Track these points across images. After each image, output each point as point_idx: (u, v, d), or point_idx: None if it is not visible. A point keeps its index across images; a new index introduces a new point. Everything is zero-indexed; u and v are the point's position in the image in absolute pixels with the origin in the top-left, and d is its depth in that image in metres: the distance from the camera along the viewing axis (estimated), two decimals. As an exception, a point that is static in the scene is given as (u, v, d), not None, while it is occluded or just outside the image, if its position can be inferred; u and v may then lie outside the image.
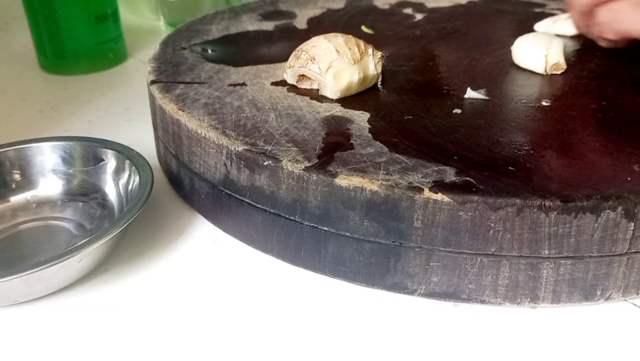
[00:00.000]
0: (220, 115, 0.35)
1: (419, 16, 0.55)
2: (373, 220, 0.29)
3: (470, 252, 0.29)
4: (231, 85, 0.39)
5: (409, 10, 0.56)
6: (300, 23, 0.52)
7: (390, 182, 0.29)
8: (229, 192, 0.34)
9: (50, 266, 0.28)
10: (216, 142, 0.33)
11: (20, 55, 0.64)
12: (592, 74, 0.42)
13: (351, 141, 0.33)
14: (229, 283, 0.32)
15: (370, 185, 0.29)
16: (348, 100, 0.37)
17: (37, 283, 0.30)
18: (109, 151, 0.37)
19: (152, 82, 0.40)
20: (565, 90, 0.40)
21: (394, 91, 0.39)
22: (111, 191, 0.37)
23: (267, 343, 0.28)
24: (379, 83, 0.40)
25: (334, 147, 0.32)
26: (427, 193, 0.28)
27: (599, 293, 0.30)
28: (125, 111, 0.52)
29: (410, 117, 0.36)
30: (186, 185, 0.37)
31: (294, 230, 0.32)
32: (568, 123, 0.35)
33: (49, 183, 0.38)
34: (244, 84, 0.40)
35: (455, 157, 0.31)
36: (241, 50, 0.46)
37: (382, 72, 0.40)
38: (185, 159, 0.36)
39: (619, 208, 0.28)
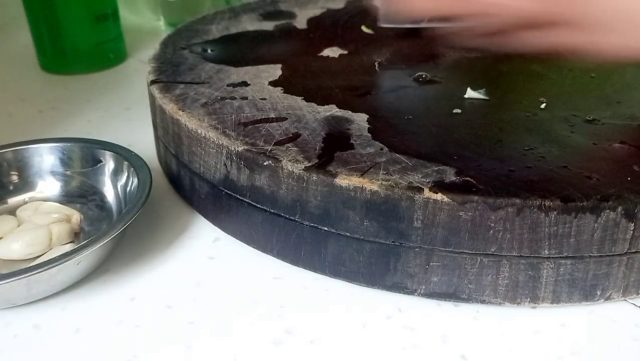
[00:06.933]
0: (220, 115, 0.35)
1: (419, 16, 0.54)
2: (373, 220, 0.29)
3: (470, 252, 0.29)
4: (231, 85, 0.39)
5: (409, 10, 0.56)
6: (300, 23, 0.52)
7: (390, 182, 0.29)
8: (229, 192, 0.34)
9: (48, 268, 0.28)
10: (216, 142, 0.33)
11: (20, 55, 0.64)
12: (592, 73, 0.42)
13: (351, 141, 0.33)
14: (229, 283, 0.32)
15: (370, 185, 0.29)
16: (348, 101, 0.37)
17: (36, 286, 0.29)
18: (107, 152, 0.37)
19: (152, 82, 0.40)
20: (565, 89, 0.40)
21: (394, 91, 0.39)
22: (109, 193, 0.37)
23: (267, 343, 0.28)
24: (379, 83, 0.40)
25: (334, 147, 0.32)
26: (427, 193, 0.28)
27: (599, 293, 0.30)
28: (125, 111, 0.52)
29: (410, 117, 0.36)
30: (186, 185, 0.37)
31: (294, 230, 0.32)
32: (568, 122, 0.35)
33: (47, 185, 0.38)
34: (244, 84, 0.39)
35: (455, 157, 0.31)
36: (241, 50, 0.46)
37: (382, 72, 0.39)
38: (185, 159, 0.36)
39: (619, 208, 0.27)
